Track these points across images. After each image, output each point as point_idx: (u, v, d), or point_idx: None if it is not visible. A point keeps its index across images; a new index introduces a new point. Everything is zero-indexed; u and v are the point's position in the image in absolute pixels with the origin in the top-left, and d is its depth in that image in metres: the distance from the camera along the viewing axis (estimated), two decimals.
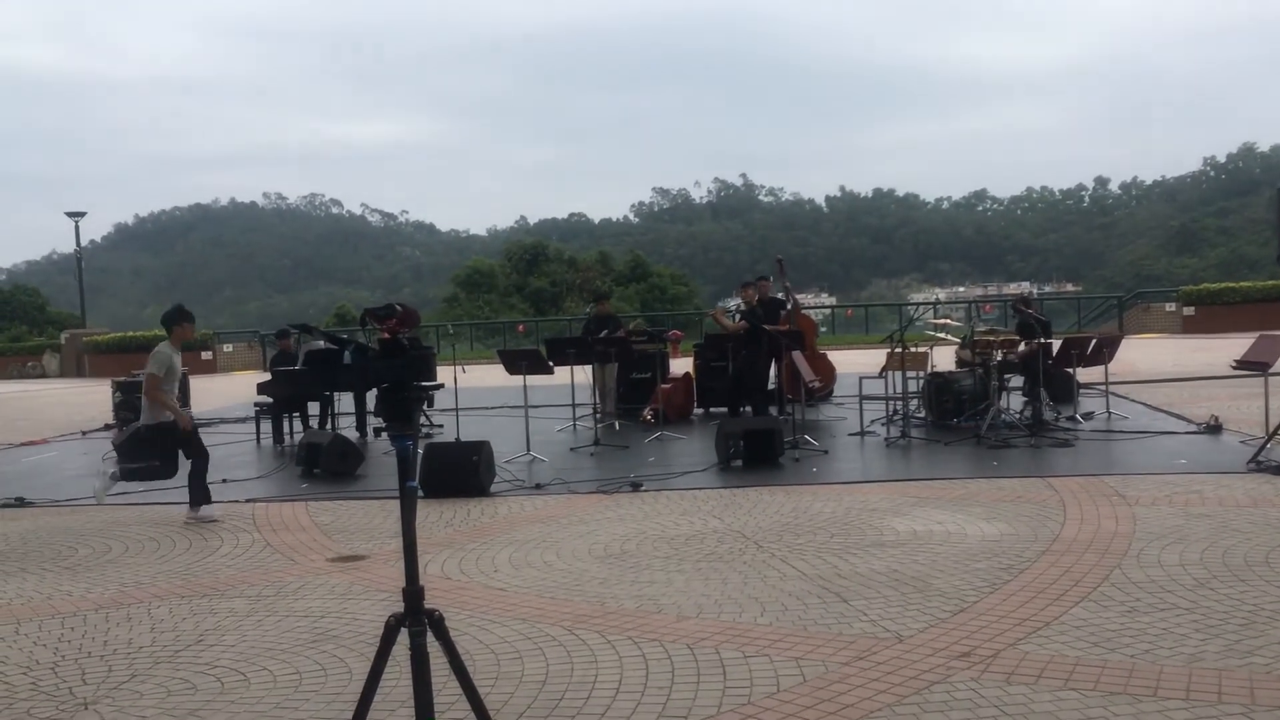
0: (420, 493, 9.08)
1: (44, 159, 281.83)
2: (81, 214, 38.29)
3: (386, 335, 3.16)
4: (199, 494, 8.77)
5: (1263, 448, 9.22)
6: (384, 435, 3.14)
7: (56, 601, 6.44)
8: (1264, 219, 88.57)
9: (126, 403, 15.75)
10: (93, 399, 22.09)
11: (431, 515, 8.52)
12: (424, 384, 3.11)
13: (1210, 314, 30.21)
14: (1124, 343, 14.67)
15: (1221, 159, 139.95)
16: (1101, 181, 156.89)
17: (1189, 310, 30.93)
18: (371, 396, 3.34)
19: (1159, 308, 32.67)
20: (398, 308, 3.14)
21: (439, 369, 14.98)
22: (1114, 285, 78.56)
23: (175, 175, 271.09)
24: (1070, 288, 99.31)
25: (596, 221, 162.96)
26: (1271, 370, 10.23)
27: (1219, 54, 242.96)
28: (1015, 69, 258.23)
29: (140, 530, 8.49)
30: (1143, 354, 21.94)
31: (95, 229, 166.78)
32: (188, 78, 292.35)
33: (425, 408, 14.44)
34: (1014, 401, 12.74)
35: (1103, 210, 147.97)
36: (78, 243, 39.17)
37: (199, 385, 20.45)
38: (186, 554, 7.59)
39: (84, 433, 16.12)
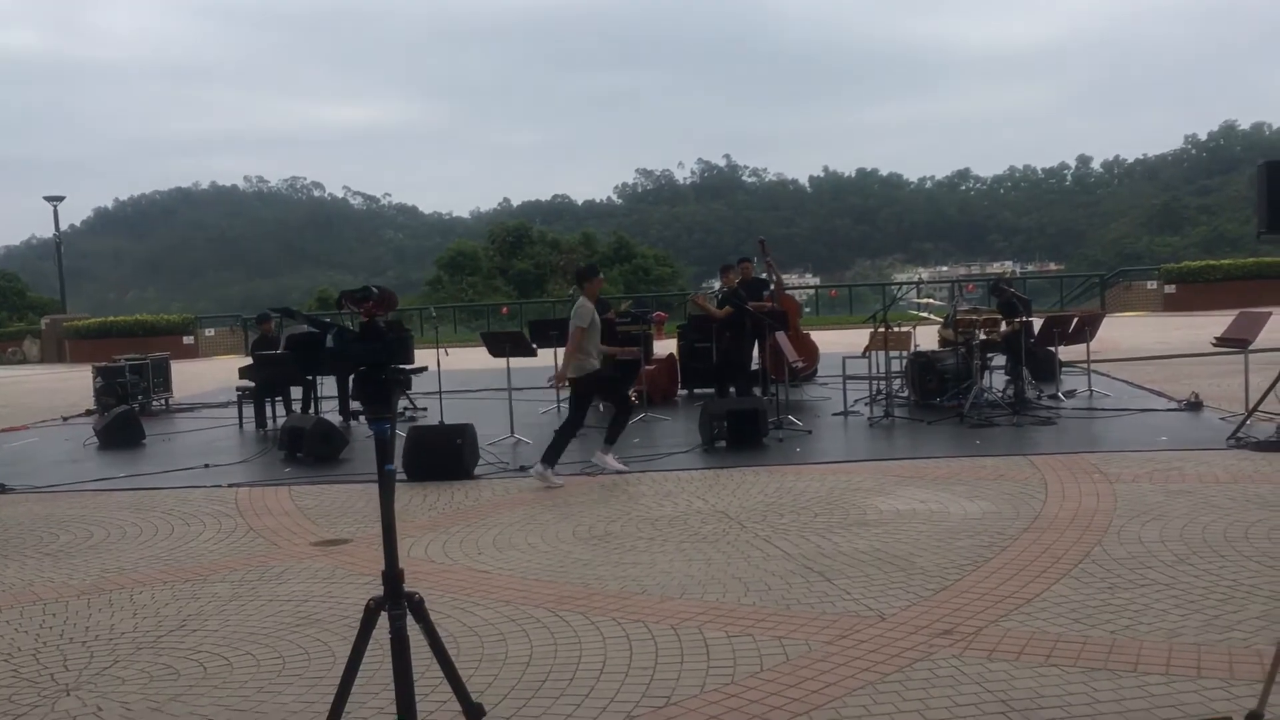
0: (403, 475, 9.13)
1: (22, 142, 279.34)
2: (60, 198, 37.95)
3: (365, 318, 3.14)
4: (613, 434, 9.28)
5: (1242, 424, 9.28)
6: (362, 419, 3.13)
7: (38, 588, 6.41)
8: (1245, 196, 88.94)
9: (108, 388, 15.67)
10: (74, 385, 21.97)
11: (415, 498, 8.51)
12: (402, 367, 3.09)
13: (1191, 292, 30.36)
14: (1106, 321, 14.72)
15: (1203, 137, 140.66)
16: (1084, 160, 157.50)
17: (1170, 288, 31.08)
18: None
19: (1140, 286, 32.82)
20: (374, 290, 3.11)
21: (422, 352, 14.93)
22: (1096, 264, 78.84)
23: (155, 159, 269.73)
24: (1053, 267, 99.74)
25: (580, 203, 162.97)
26: (1251, 347, 10.30)
27: (1200, 33, 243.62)
28: (998, 48, 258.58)
29: (122, 516, 8.45)
30: (1124, 332, 22.04)
31: (75, 213, 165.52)
32: (167, 60, 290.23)
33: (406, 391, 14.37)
34: (996, 380, 12.79)
35: (1085, 189, 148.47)
36: (57, 227, 38.86)
37: (180, 370, 20.35)
38: (169, 539, 7.56)
39: (65, 418, 16.03)
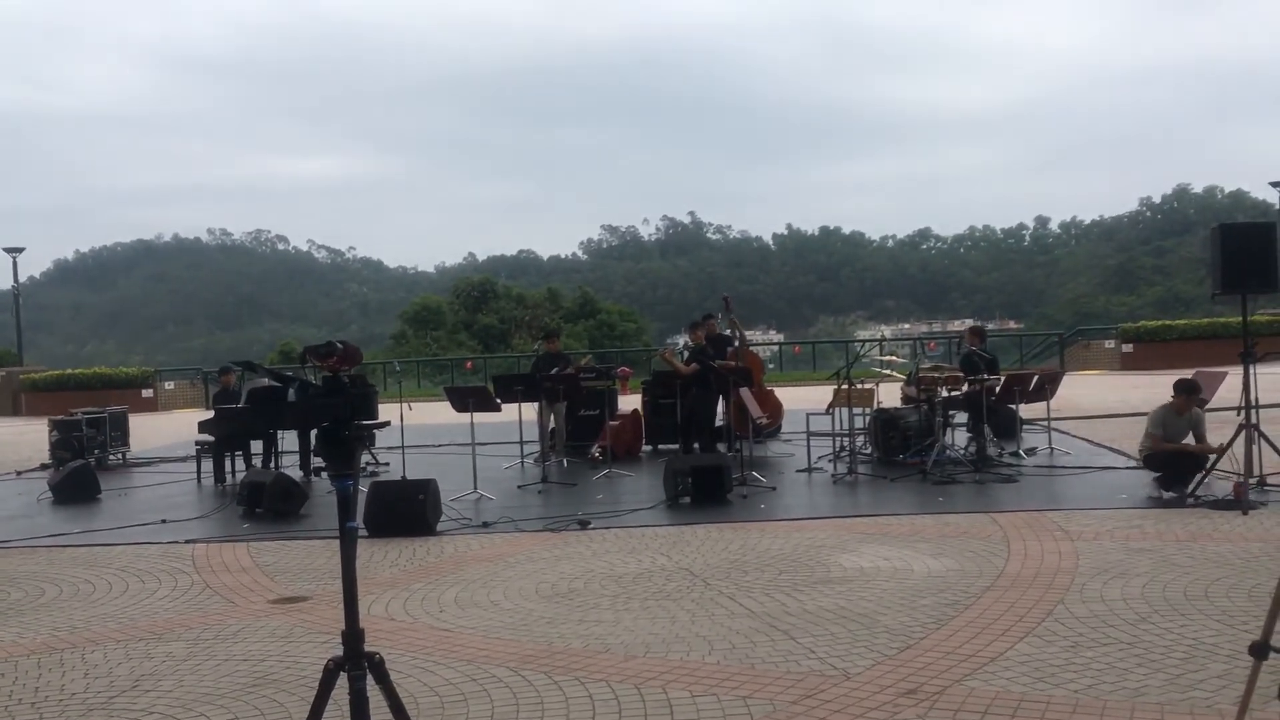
0: (364, 532, 9.02)
1: None
2: (20, 249, 37.60)
3: (329, 374, 3.12)
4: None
5: (1199, 482, 9.38)
6: (324, 475, 3.10)
7: None
8: (1198, 258, 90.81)
9: (64, 442, 15.42)
10: (29, 438, 21.59)
11: (377, 555, 8.40)
12: (365, 422, 3.07)
13: (1148, 351, 30.76)
14: (1065, 379, 14.89)
15: (1157, 199, 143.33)
16: (1042, 221, 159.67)
17: (1128, 347, 31.48)
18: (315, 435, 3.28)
19: (1099, 344, 33.24)
20: (338, 345, 3.10)
21: (385, 406, 14.84)
22: (1055, 323, 79.86)
23: (117, 210, 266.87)
24: (1012, 325, 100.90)
25: (545, 258, 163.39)
26: (1208, 406, 10.44)
27: (1155, 97, 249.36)
28: (959, 110, 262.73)
29: (76, 573, 8.28)
30: (1084, 390, 22.27)
31: (34, 265, 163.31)
32: (129, 111, 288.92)
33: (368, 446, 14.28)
34: (959, 437, 12.87)
35: (1043, 249, 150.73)
36: (15, 279, 38.41)
37: (139, 424, 20.08)
38: (123, 597, 7.41)
39: (19, 473, 15.73)
